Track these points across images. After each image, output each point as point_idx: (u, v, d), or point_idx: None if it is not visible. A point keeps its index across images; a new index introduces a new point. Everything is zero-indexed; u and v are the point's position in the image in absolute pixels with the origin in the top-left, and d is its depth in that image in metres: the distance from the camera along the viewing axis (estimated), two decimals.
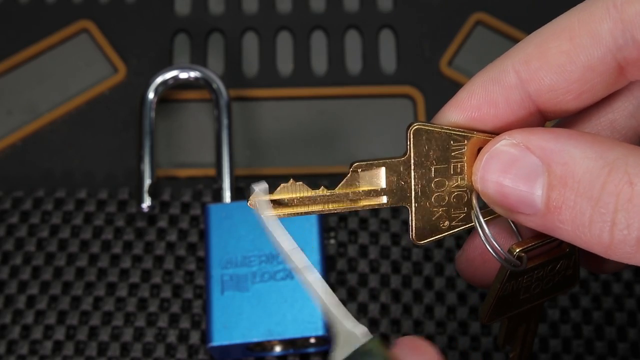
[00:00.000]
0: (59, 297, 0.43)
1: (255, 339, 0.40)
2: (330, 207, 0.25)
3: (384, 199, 0.25)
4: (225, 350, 0.40)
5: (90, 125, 0.48)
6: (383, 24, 0.51)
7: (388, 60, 0.50)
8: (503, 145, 0.23)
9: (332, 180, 0.46)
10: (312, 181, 0.46)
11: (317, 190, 0.25)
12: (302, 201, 0.25)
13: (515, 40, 0.49)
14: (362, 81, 0.49)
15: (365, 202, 0.25)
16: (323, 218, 0.42)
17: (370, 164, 0.25)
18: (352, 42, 0.50)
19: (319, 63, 0.50)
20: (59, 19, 0.50)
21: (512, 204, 0.23)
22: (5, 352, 0.42)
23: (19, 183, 0.46)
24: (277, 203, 0.25)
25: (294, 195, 0.25)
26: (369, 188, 0.25)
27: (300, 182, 0.25)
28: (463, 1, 0.51)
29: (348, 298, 0.43)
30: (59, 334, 0.43)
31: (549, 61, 0.23)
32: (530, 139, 0.23)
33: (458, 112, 0.25)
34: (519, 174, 0.23)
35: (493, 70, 0.25)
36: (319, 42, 0.50)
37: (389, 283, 0.43)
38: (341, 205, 0.25)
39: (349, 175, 0.25)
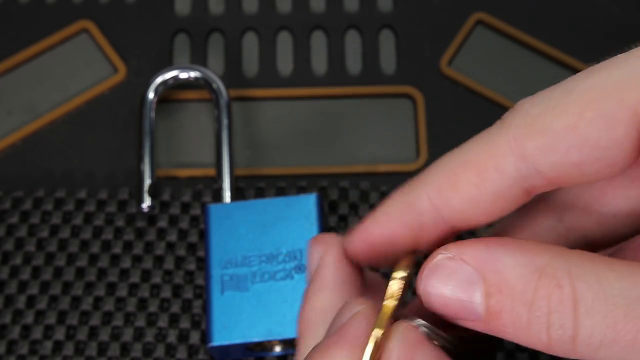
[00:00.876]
0: (59, 297, 0.43)
1: (255, 339, 0.40)
2: None
3: None
4: (225, 350, 0.40)
5: (90, 126, 0.48)
6: (383, 24, 0.51)
7: (388, 60, 0.50)
8: (440, 260, 0.25)
9: (331, 180, 0.46)
10: (312, 181, 0.46)
11: None
12: None
13: (516, 40, 0.50)
14: (362, 81, 0.49)
15: None
16: (323, 218, 0.42)
17: None
18: (352, 42, 0.50)
19: (319, 63, 0.50)
20: (59, 19, 0.50)
21: (456, 313, 0.24)
22: (5, 352, 0.42)
23: (19, 183, 0.46)
24: None
25: None
26: None
27: None
28: (463, 1, 0.51)
29: None
30: (59, 334, 0.43)
31: (459, 192, 0.25)
32: (464, 251, 0.24)
33: (376, 231, 0.28)
34: (457, 285, 0.24)
35: (408, 194, 0.27)
36: (319, 42, 0.50)
37: None
38: None
39: None
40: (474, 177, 0.25)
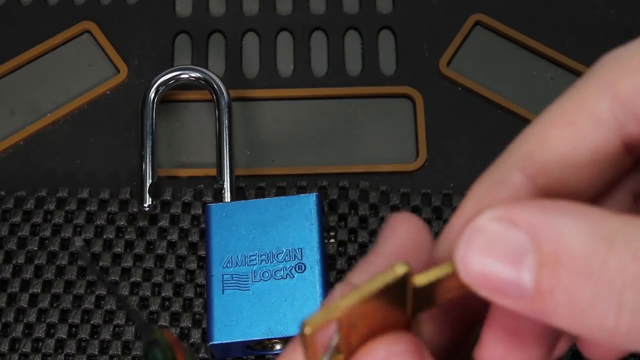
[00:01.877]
0: (61, 295, 0.44)
1: (255, 337, 0.40)
2: None
3: None
4: (226, 348, 0.41)
5: (92, 126, 0.48)
6: (382, 25, 0.51)
7: (387, 60, 0.50)
8: (486, 220, 0.20)
9: (331, 180, 0.46)
10: (312, 181, 0.46)
11: None
12: None
13: (514, 41, 0.50)
14: (362, 82, 0.49)
15: None
16: (323, 217, 0.42)
17: None
18: (352, 43, 0.51)
19: (319, 64, 0.50)
20: (61, 20, 0.51)
21: (498, 287, 0.20)
22: (9, 349, 0.43)
23: (21, 183, 0.47)
24: None
25: None
26: None
27: None
28: (462, 2, 0.51)
29: None
30: (61, 332, 0.43)
31: (552, 152, 0.22)
32: (516, 212, 0.20)
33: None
34: (504, 253, 0.20)
35: (496, 172, 0.23)
36: (319, 43, 0.51)
37: None
38: None
39: None
40: (565, 129, 0.22)
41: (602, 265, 0.19)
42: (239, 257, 0.41)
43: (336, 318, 0.20)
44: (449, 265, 0.21)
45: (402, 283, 0.21)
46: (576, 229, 0.19)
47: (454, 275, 0.21)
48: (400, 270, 0.20)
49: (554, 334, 0.22)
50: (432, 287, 0.21)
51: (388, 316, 0.21)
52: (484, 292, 0.20)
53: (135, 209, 0.45)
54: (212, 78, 0.46)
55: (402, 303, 0.21)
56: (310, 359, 0.21)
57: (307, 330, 0.20)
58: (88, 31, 0.50)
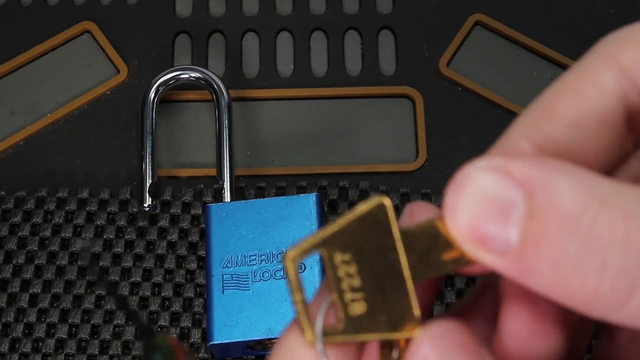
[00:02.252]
0: (61, 295, 0.44)
1: (255, 337, 0.40)
2: None
3: None
4: (226, 348, 0.41)
5: (92, 126, 0.48)
6: (382, 25, 0.51)
7: (387, 61, 0.50)
8: (479, 168, 0.20)
9: (331, 180, 0.46)
10: (312, 181, 0.46)
11: None
12: None
13: (513, 42, 0.50)
14: (362, 82, 0.49)
15: None
16: (323, 217, 0.42)
17: None
18: (352, 43, 0.51)
19: (319, 64, 0.50)
20: (61, 21, 0.51)
21: (483, 240, 0.19)
22: (9, 349, 0.43)
23: (21, 183, 0.47)
24: None
25: None
26: None
27: None
28: (462, 2, 0.51)
29: None
30: (61, 332, 0.43)
31: (559, 119, 0.22)
32: (511, 163, 0.20)
33: None
34: (494, 202, 0.19)
35: (505, 142, 0.23)
36: (318, 43, 0.51)
37: None
38: None
39: None
40: (571, 98, 0.22)
41: (592, 222, 0.18)
42: (239, 257, 0.41)
43: (314, 246, 0.20)
44: (439, 216, 0.21)
45: (383, 217, 0.20)
46: (570, 187, 0.19)
47: (443, 226, 0.20)
48: (377, 198, 0.20)
49: (573, 319, 0.22)
50: (425, 241, 0.21)
51: (382, 274, 0.20)
52: (468, 246, 0.20)
53: (135, 209, 0.45)
54: (212, 78, 0.46)
55: (392, 253, 0.20)
56: (304, 314, 0.20)
57: (288, 261, 0.20)
58: (88, 31, 0.50)
